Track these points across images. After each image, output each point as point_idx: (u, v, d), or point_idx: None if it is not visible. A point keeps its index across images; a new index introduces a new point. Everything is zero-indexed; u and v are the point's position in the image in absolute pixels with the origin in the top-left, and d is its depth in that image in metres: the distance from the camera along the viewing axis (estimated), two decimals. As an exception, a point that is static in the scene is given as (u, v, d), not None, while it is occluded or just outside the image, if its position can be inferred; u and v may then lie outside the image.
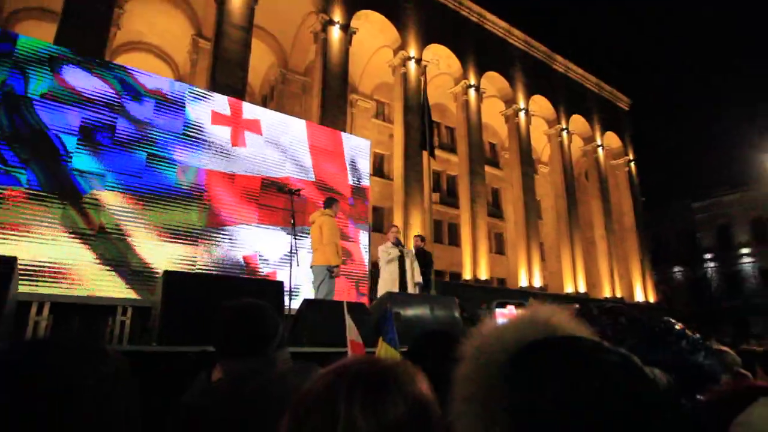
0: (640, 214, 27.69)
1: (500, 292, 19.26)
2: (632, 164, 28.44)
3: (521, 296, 16.79)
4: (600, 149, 26.61)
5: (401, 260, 6.42)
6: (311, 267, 5.62)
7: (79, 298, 5.53)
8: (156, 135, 6.46)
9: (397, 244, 6.71)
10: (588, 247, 25.10)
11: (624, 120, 29.26)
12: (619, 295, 24.30)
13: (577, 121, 26.00)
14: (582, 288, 22.55)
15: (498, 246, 24.77)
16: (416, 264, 6.55)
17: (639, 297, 25.44)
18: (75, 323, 6.74)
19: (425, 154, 16.17)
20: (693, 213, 35.93)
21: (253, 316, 1.51)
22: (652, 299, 26.06)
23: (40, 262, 5.25)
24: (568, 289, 22.27)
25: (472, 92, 20.90)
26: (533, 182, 22.46)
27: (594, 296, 23.17)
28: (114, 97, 6.26)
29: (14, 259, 2.75)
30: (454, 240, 21.64)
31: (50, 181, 5.56)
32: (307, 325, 3.60)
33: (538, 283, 20.48)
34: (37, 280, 5.17)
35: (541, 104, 24.29)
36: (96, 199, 5.80)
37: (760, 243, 31.84)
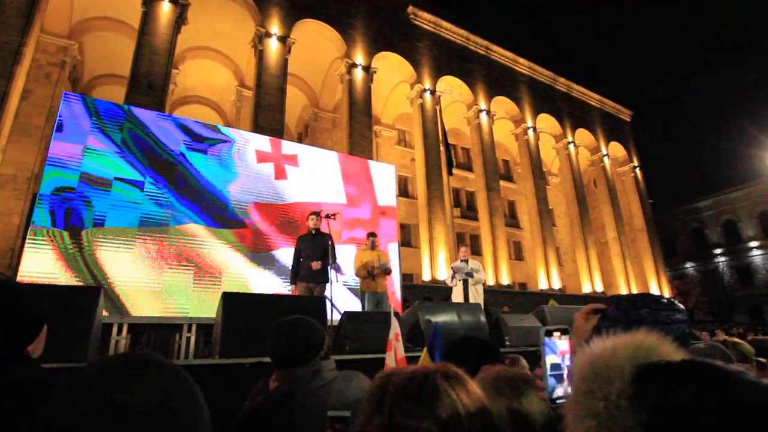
0: (649, 216, 26.61)
1: (522, 295, 18.79)
2: (638, 170, 27.50)
3: (541, 298, 16.33)
4: (606, 159, 25.88)
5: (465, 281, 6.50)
6: (362, 292, 5.95)
7: (150, 318, 5.72)
8: (212, 174, 6.73)
9: (465, 262, 6.71)
10: (602, 249, 24.24)
11: (627, 130, 28.43)
12: (635, 292, 23.26)
13: (583, 135, 25.45)
14: (599, 287, 21.72)
15: (517, 253, 24.25)
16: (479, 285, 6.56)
17: (654, 293, 24.24)
18: (149, 340, 6.99)
19: (445, 173, 16.27)
20: (699, 211, 34.28)
21: (301, 330, 1.55)
22: (667, 294, 24.82)
23: (123, 287, 5.50)
24: (586, 289, 21.49)
25: (483, 116, 20.86)
26: (545, 192, 22.02)
27: (611, 294, 22.23)
28: (175, 146, 6.58)
29: (99, 289, 2.91)
30: (476, 250, 21.34)
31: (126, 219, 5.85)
32: (347, 334, 3.62)
33: (557, 285, 19.87)
34: (119, 304, 5.41)
35: (547, 122, 23.95)
36: (167, 233, 6.06)
37: (768, 236, 30.02)
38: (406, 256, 18.36)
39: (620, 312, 0.89)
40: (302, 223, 7.26)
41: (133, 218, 5.90)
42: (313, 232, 5.04)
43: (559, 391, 0.81)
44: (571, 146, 24.21)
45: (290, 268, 5.24)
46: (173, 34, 13.39)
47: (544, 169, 23.32)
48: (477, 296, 6.53)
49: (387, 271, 5.91)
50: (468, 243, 21.53)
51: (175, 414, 0.54)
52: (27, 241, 5.18)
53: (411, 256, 19.37)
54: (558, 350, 0.86)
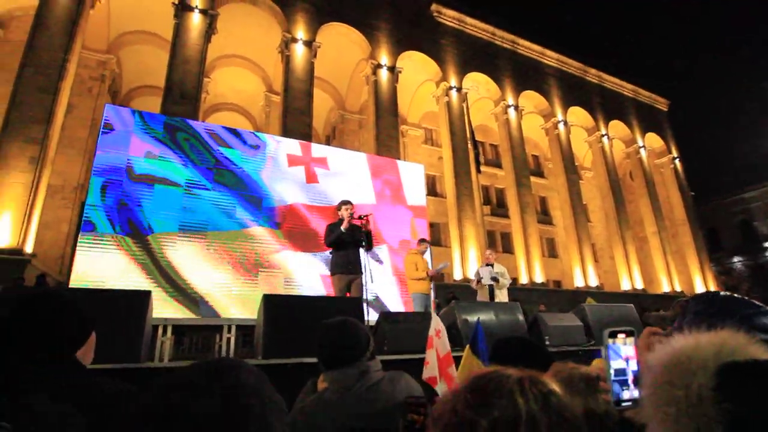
0: (690, 208, 25.36)
1: (557, 293, 18.33)
2: (677, 161, 26.26)
3: (577, 296, 15.86)
4: (642, 150, 24.86)
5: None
6: (414, 293, 6.06)
7: (193, 319, 5.92)
8: (246, 179, 6.91)
9: (491, 266, 6.74)
10: (640, 245, 23.30)
11: (663, 120, 27.22)
12: (678, 288, 22.25)
13: (617, 126, 24.55)
14: (639, 284, 20.89)
15: (550, 250, 23.63)
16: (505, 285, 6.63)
17: (699, 289, 23.10)
18: (191, 341, 7.24)
19: (473, 171, 16.10)
20: (746, 201, 32.38)
21: (348, 330, 1.56)
22: (713, 290, 23.56)
23: (162, 294, 5.72)
24: (625, 286, 20.72)
25: (511, 111, 20.48)
26: (579, 187, 21.38)
27: (652, 292, 21.38)
28: (208, 152, 6.79)
29: (149, 292, 3.03)
30: (508, 247, 20.98)
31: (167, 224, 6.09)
32: (385, 334, 3.63)
33: (593, 282, 19.25)
34: (161, 307, 5.62)
35: (578, 115, 23.25)
36: (193, 240, 6.26)
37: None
38: (437, 255, 18.20)
39: (703, 309, 0.85)
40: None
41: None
42: (351, 219, 4.89)
43: (625, 395, 0.79)
44: (605, 139, 23.41)
45: (330, 246, 4.97)
46: (204, 43, 13.83)
47: (576, 164, 22.67)
48: (503, 300, 6.49)
49: (442, 274, 6.15)
50: (496, 246, 21.23)
51: (270, 396, 0.64)
52: (79, 246, 5.47)
53: (441, 255, 19.18)
54: (622, 354, 0.82)
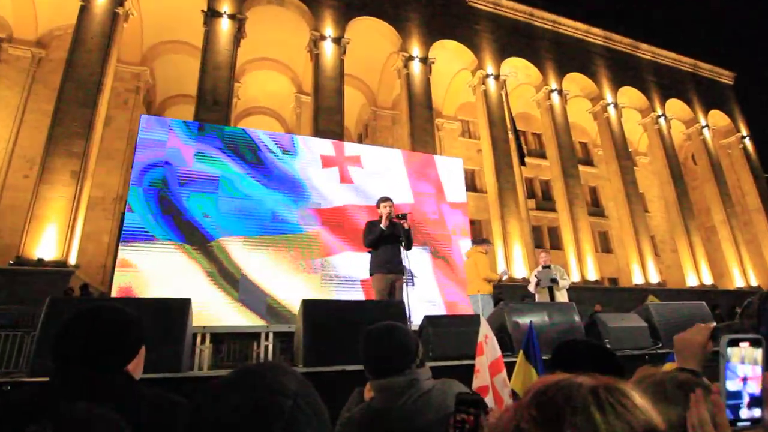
0: (765, 193, 23.52)
1: (614, 291, 17.55)
2: (747, 140, 24.42)
3: (636, 294, 15.11)
4: (706, 130, 23.35)
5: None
6: (470, 295, 6.19)
7: (230, 327, 6.09)
8: (277, 183, 7.05)
9: (547, 268, 6.88)
10: (707, 235, 21.94)
11: (729, 95, 25.42)
12: (754, 283, 20.70)
13: (675, 106, 23.19)
14: (707, 279, 19.61)
15: (604, 244, 22.66)
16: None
17: (780, 283, 21.42)
18: (229, 349, 7.45)
19: (516, 163, 15.71)
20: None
21: (395, 337, 1.53)
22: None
23: (199, 301, 5.92)
24: (691, 281, 19.53)
25: (555, 96, 19.85)
26: (633, 175, 20.38)
27: (723, 287, 20.01)
28: (242, 159, 6.98)
29: (189, 300, 3.12)
30: (556, 243, 20.33)
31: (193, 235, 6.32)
32: (430, 340, 3.57)
33: (654, 278, 18.28)
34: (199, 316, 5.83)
35: (630, 95, 22.17)
36: (229, 245, 6.44)
37: None
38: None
39: None
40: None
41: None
42: (390, 217, 4.83)
43: (743, 414, 0.68)
44: (662, 120, 22.19)
45: (370, 245, 4.95)
46: (233, 48, 14.28)
47: (630, 149, 21.64)
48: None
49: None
50: (543, 242, 20.63)
51: (309, 401, 0.68)
52: (129, 253, 5.78)
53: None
54: (738, 374, 0.70)
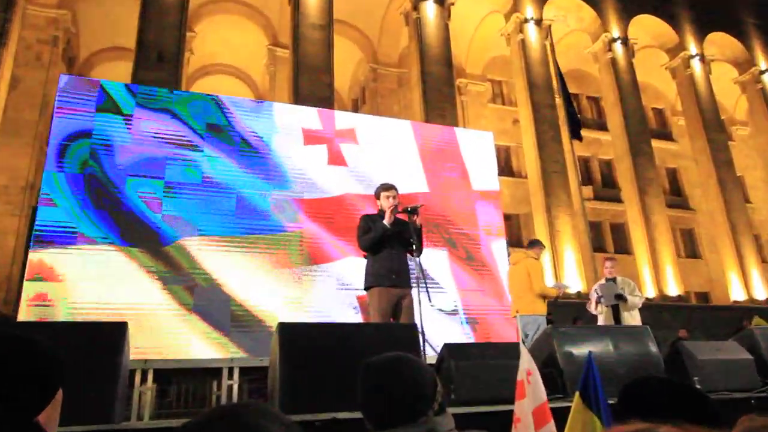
0: None
1: (704, 311, 17.48)
2: None
3: (736, 314, 15.00)
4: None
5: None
6: (517, 316, 6.29)
7: (181, 361, 6.09)
8: (244, 169, 7.01)
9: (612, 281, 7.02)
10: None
11: None
12: None
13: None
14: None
15: (689, 247, 22.55)
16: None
17: None
18: (179, 390, 7.46)
19: (566, 137, 15.62)
20: None
21: (405, 373, 1.50)
22: None
23: (141, 324, 5.91)
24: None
25: (618, 47, 19.80)
26: (728, 152, 20.31)
27: None
28: (195, 134, 6.95)
29: (125, 325, 3.09)
30: (623, 245, 20.27)
31: (137, 232, 6.31)
32: (452, 376, 3.54)
33: (761, 293, 18.17)
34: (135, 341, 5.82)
35: (722, 44, 22.06)
36: (186, 246, 6.43)
37: None
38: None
39: None
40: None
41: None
42: (396, 211, 4.76)
43: None
44: (766, 77, 22.03)
45: (366, 249, 4.90)
46: (184, -15, 14.25)
47: (722, 118, 21.51)
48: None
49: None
50: (604, 243, 20.58)
51: None
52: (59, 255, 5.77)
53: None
54: None
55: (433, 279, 7.05)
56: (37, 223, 5.97)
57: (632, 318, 6.71)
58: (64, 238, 6.00)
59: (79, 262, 5.96)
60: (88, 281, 5.92)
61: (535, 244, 6.84)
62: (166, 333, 6.07)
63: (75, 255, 5.97)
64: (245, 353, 6.24)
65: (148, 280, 6.16)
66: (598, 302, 6.86)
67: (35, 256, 5.85)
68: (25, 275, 5.81)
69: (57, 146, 6.35)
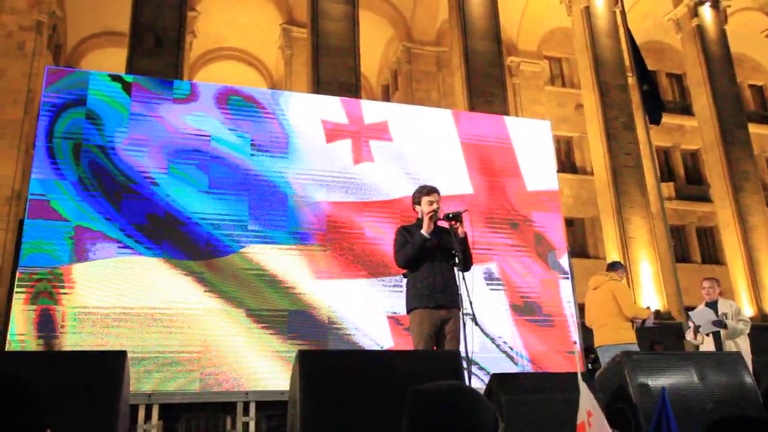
0: None
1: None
2: None
3: None
4: None
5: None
6: (600, 348, 6.60)
7: (190, 394, 6.22)
8: (257, 172, 7.15)
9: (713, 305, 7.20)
10: None
11: None
12: None
13: None
14: None
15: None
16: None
17: None
18: (188, 428, 7.65)
19: (640, 124, 15.39)
20: None
21: (463, 407, 1.50)
22: None
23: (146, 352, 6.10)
24: None
25: (706, 10, 19.51)
26: None
27: None
28: (203, 132, 7.11)
29: (124, 354, 3.21)
30: (712, 254, 19.91)
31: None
32: (502, 413, 3.56)
33: None
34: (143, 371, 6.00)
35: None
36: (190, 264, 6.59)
37: None
38: (581, 273, 17.44)
39: None
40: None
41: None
42: (436, 219, 4.76)
43: None
44: None
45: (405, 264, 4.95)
46: (184, -43, 14.60)
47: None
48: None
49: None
50: (690, 251, 20.16)
51: None
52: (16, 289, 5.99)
53: (588, 275, 18.50)
54: None
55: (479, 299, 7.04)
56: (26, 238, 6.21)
57: (737, 347, 6.76)
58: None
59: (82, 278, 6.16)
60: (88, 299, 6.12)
61: (617, 266, 7.12)
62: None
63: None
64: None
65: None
66: (696, 331, 7.14)
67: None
68: (12, 299, 6.02)
69: (44, 148, 6.57)
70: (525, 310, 7.59)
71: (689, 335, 7.36)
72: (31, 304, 5.98)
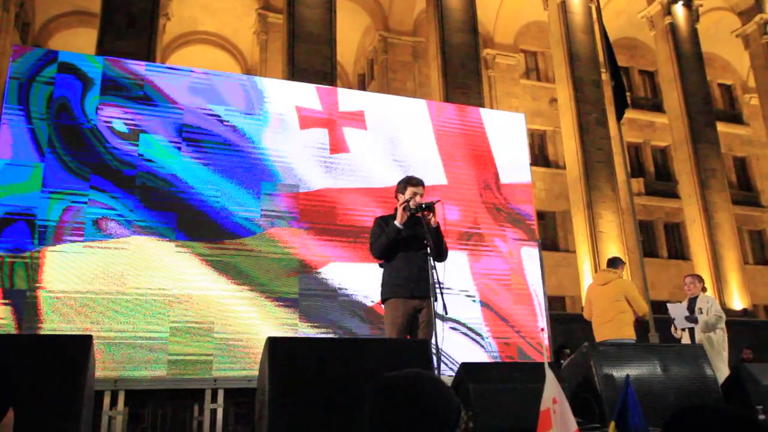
0: None
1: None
2: None
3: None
4: None
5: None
6: (612, 341, 6.44)
7: (156, 382, 6.16)
8: (229, 159, 7.08)
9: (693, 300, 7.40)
10: None
11: None
12: None
13: None
14: None
15: (759, 252, 22.52)
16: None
17: None
18: (155, 415, 7.58)
19: (612, 120, 15.53)
20: None
21: (428, 394, 1.50)
22: None
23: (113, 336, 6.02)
24: None
25: (679, 9, 19.74)
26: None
27: None
28: (175, 115, 7.02)
29: (89, 338, 3.17)
30: (678, 249, 20.26)
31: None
32: (471, 402, 3.59)
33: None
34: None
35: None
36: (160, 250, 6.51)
37: None
38: (551, 265, 17.77)
39: None
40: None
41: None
42: (410, 209, 4.77)
43: None
44: None
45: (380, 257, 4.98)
46: (158, -62, 14.33)
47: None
48: (715, 350, 6.98)
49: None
50: (657, 245, 20.49)
51: None
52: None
53: (558, 267, 18.81)
54: None
55: (451, 288, 7.07)
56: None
57: (710, 341, 6.95)
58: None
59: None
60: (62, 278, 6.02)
61: (618, 262, 7.22)
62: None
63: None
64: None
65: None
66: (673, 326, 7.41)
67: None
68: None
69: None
70: (495, 299, 7.68)
71: (675, 332, 7.48)
72: None
